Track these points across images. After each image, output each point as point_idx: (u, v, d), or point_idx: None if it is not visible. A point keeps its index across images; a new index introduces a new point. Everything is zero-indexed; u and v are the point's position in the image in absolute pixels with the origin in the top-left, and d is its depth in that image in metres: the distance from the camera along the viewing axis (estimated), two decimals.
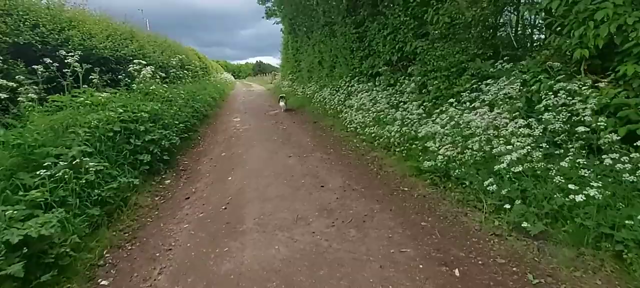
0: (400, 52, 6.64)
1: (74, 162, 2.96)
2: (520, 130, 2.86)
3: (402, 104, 5.61)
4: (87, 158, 3.23)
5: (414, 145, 4.33)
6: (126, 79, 6.00)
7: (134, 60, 6.00)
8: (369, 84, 7.80)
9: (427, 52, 5.50)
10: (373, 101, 6.28)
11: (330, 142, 6.46)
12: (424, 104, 5.08)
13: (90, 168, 3.03)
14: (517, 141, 2.79)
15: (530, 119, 3.06)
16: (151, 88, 5.94)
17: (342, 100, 8.19)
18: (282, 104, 10.97)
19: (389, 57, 7.01)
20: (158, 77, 6.88)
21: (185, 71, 11.16)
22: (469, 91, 4.32)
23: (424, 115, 4.98)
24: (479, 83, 4.35)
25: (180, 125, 6.16)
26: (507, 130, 3.06)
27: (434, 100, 5.13)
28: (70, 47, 5.24)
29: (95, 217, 2.90)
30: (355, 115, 6.52)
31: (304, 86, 13.85)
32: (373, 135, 5.41)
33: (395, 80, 6.86)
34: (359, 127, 6.22)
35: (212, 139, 7.24)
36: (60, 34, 5.35)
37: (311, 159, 5.27)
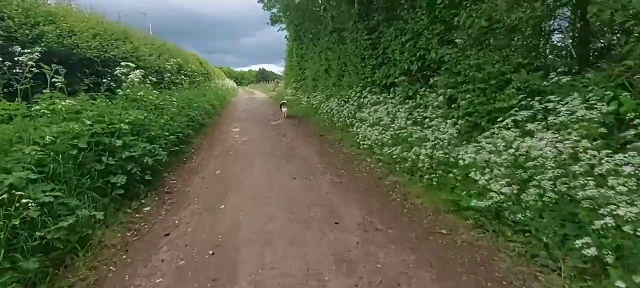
0: (421, 61, 5.89)
1: (7, 194, 2.17)
2: (620, 168, 2.07)
3: (426, 120, 4.83)
4: (32, 187, 2.44)
5: (450, 174, 3.53)
6: (111, 83, 5.25)
7: (123, 63, 5.24)
8: (382, 95, 7.05)
9: (457, 60, 4.75)
10: (390, 116, 5.49)
11: (341, 160, 5.67)
12: (456, 121, 4.31)
13: (32, 203, 2.24)
14: (619, 184, 2.00)
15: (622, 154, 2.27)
16: (139, 94, 5.18)
17: (353, 112, 7.43)
18: (284, 110, 11.08)
19: (407, 66, 6.26)
20: (149, 81, 6.13)
21: (183, 76, 10.45)
22: (516, 108, 3.54)
23: (455, 134, 4.20)
24: (528, 99, 3.57)
25: (171, 137, 5.39)
26: (592, 163, 2.26)
27: (466, 118, 4.36)
28: (43, 44, 4.51)
29: (30, 274, 2.09)
30: (369, 131, 5.74)
31: (309, 95, 13.12)
32: (393, 156, 4.62)
33: (414, 92, 6.10)
34: (374, 145, 5.43)
35: (207, 152, 6.46)
36: (33, 30, 4.62)
37: (320, 182, 4.47)
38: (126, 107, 4.83)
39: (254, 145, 6.93)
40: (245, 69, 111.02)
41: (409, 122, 5.09)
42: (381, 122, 5.57)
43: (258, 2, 16.77)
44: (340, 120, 7.82)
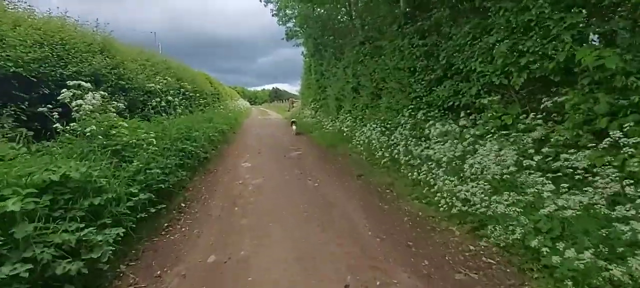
0: (527, 71, 3.81)
1: None
2: None
3: (569, 170, 2.70)
4: None
5: None
6: (53, 115, 3.39)
7: (71, 82, 3.38)
8: (448, 122, 4.97)
9: (617, 68, 2.65)
10: (500, 162, 3.32)
11: (408, 229, 3.55)
12: None
13: None
14: None
15: None
16: (88, 130, 3.28)
17: (406, 145, 5.34)
18: (294, 127, 11.90)
19: (498, 79, 4.18)
20: (120, 107, 4.29)
21: (183, 98, 8.71)
22: None
23: None
24: None
25: (142, 196, 3.42)
26: None
27: None
28: None
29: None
30: (457, 184, 3.60)
31: (333, 117, 11.16)
32: (534, 249, 2.46)
33: (514, 119, 3.99)
34: (470, 210, 3.28)
35: (202, 208, 4.47)
36: None
37: None
38: (65, 153, 2.90)
39: (270, 195, 4.90)
40: (259, 89, 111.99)
41: (537, 174, 2.95)
42: (480, 170, 3.41)
43: (273, 16, 15.31)
44: (386, 155, 5.74)
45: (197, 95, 11.94)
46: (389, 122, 6.62)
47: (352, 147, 7.50)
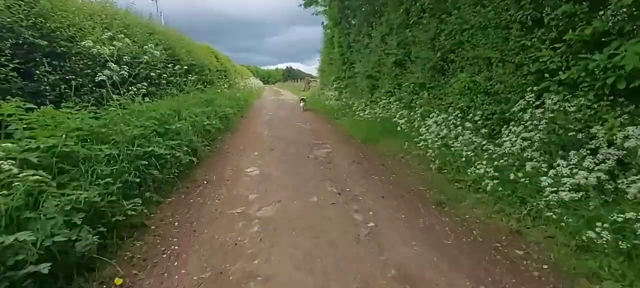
0: None
1: None
2: None
3: None
4: None
5: None
6: None
7: None
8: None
9: None
10: None
11: None
12: None
13: None
14: None
15: None
16: None
17: (553, 166, 2.89)
18: (302, 104, 11.89)
19: None
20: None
21: (172, 74, 6.44)
22: None
23: None
24: None
25: None
26: None
27: None
28: None
29: None
30: None
31: (366, 101, 8.70)
32: None
33: None
34: None
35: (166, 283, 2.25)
36: None
37: None
38: None
39: (290, 251, 2.63)
40: (273, 68, 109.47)
41: None
42: None
43: None
44: (489, 171, 3.31)
45: (197, 70, 9.64)
46: (476, 112, 4.16)
47: (409, 147, 5.08)
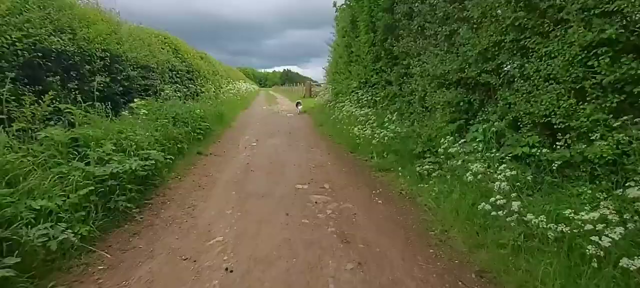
0: None
1: None
2: None
3: None
4: None
5: None
6: None
7: None
8: None
9: None
10: None
11: None
12: None
13: None
14: None
15: None
16: None
17: None
18: (299, 107, 12.07)
19: None
20: None
21: None
22: None
23: None
24: None
25: None
26: None
27: None
28: None
29: None
30: None
31: (429, 126, 3.95)
32: None
33: None
34: None
35: None
36: None
37: None
38: None
39: None
40: (270, 70, 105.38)
41: None
42: None
43: None
44: None
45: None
46: None
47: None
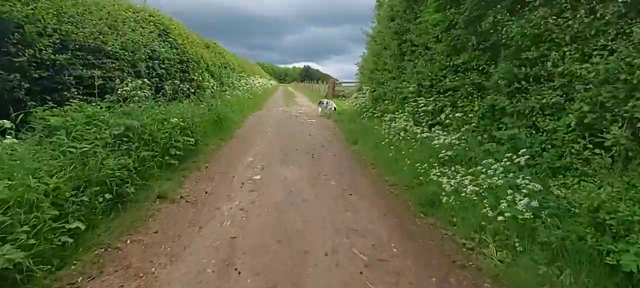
0: None
1: None
2: None
3: None
4: None
5: None
6: None
7: None
8: None
9: None
10: None
11: None
12: None
13: None
14: None
15: None
16: None
17: None
18: (320, 109, 10.22)
19: None
20: None
21: None
22: None
23: None
24: None
25: None
26: None
27: None
28: None
29: None
30: None
31: None
32: None
33: None
34: None
35: None
36: None
37: None
38: None
39: None
40: (290, 66, 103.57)
41: None
42: None
43: None
44: None
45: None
46: None
47: None
